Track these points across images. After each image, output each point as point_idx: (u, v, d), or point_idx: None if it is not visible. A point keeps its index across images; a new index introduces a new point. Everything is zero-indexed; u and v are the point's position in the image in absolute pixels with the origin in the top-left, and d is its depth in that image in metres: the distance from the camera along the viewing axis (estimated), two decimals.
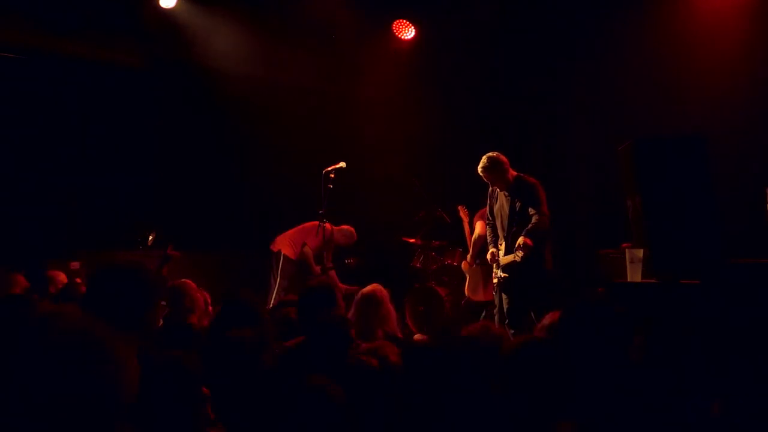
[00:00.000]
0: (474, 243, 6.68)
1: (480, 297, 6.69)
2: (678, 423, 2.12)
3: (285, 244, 6.97)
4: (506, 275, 5.40)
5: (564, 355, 2.11)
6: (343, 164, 6.41)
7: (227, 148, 8.19)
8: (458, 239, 7.38)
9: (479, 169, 5.41)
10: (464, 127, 7.99)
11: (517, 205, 5.36)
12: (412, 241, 7.50)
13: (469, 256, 6.82)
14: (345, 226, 7.19)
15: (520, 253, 5.10)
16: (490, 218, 5.70)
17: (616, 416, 2.09)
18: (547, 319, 3.06)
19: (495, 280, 5.57)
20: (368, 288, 4.14)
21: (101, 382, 1.75)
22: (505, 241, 5.44)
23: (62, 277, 5.28)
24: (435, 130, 8.16)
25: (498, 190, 5.55)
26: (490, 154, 5.38)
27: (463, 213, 6.86)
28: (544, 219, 5.24)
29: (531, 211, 5.28)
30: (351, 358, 2.87)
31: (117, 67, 7.64)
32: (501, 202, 5.53)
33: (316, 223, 6.59)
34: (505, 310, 5.41)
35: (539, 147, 7.61)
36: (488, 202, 5.72)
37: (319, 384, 2.15)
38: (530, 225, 5.22)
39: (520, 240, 5.12)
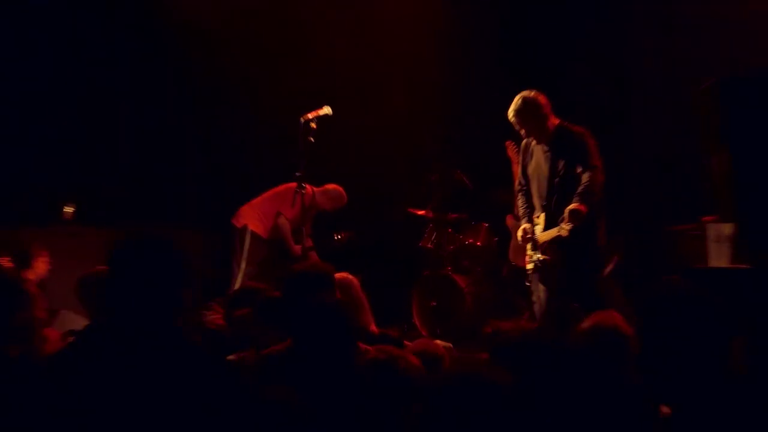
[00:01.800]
0: None
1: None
2: None
3: (252, 217, 6.92)
4: (546, 257, 5.37)
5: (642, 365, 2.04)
6: (327, 110, 6.28)
7: (175, 92, 8.16)
8: (483, 210, 7.30)
9: (509, 113, 5.41)
10: (490, 63, 7.85)
11: (560, 163, 5.34)
12: (421, 213, 7.47)
13: (516, 208, 6.73)
14: (330, 186, 7.16)
15: (566, 226, 5.05)
16: (523, 182, 5.70)
17: None
18: (587, 322, 3.07)
19: (530, 266, 5.55)
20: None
21: None
22: (545, 211, 5.43)
23: None
24: (451, 64, 8.04)
25: (534, 143, 5.52)
26: (525, 93, 5.39)
27: (511, 151, 6.70)
28: (597, 173, 5.20)
29: (579, 168, 5.23)
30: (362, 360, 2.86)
31: None
32: (538, 160, 5.50)
33: (293, 185, 6.47)
34: (544, 302, 5.41)
35: (588, 95, 7.48)
36: (521, 160, 5.71)
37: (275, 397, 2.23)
38: (580, 187, 5.17)
39: (572, 206, 5.06)
